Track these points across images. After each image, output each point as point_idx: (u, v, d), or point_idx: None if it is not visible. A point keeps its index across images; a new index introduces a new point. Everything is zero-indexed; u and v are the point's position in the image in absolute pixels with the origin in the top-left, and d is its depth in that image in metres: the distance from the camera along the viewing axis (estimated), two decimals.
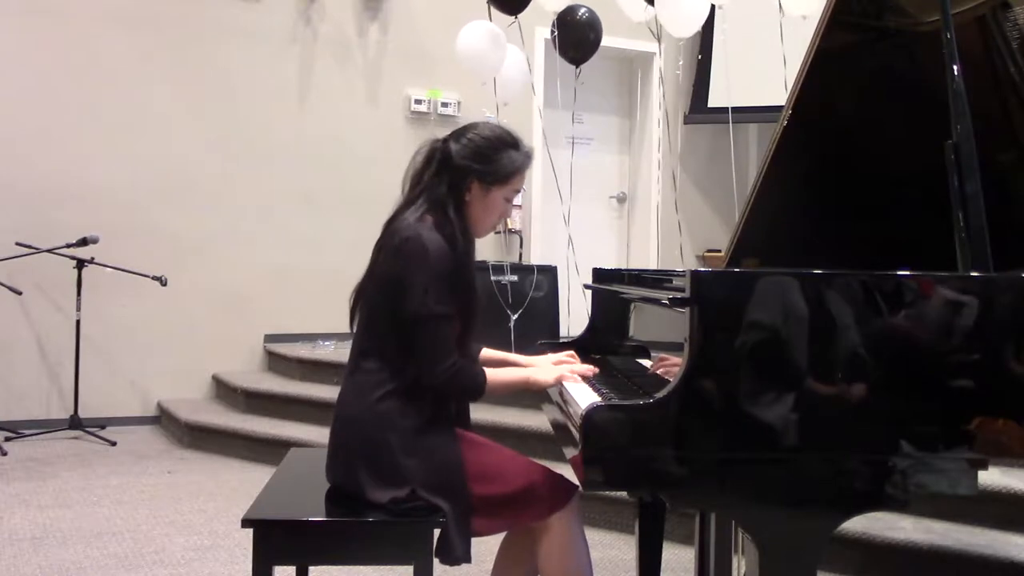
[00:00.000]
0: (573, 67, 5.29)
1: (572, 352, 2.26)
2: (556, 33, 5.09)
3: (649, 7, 4.82)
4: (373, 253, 2.08)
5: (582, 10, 5.16)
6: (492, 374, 2.03)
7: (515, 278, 5.15)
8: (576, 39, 5.15)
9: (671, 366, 1.87)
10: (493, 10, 4.95)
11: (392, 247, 1.99)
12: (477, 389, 2.00)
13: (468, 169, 2.03)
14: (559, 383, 2.05)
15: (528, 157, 2.09)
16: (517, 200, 6.34)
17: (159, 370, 5.54)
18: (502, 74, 4.93)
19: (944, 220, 1.78)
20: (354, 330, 2.09)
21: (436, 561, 1.92)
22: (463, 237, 2.03)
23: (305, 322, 5.71)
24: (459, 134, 2.08)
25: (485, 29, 4.86)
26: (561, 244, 5.98)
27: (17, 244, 4.88)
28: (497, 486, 1.95)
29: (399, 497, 1.92)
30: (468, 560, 1.93)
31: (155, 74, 5.54)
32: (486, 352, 2.27)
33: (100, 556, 3.20)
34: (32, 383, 5.26)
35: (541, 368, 2.14)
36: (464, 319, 2.03)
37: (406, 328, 1.96)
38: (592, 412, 1.56)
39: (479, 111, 5.99)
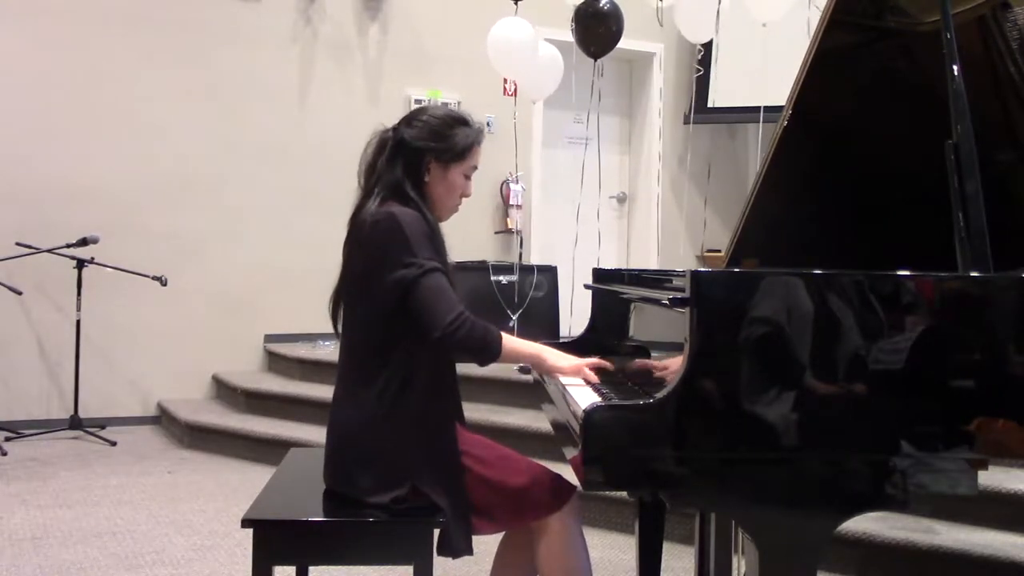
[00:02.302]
0: (592, 62, 5.25)
1: (599, 361, 2.12)
2: (576, 27, 5.05)
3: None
4: (343, 253, 2.05)
5: (603, 1, 5.11)
6: (508, 337, 1.98)
7: (515, 278, 5.15)
8: (597, 31, 5.09)
9: (663, 370, 1.87)
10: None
11: (363, 236, 1.98)
12: (492, 344, 1.94)
13: (425, 149, 2.03)
14: (572, 374, 2.02)
15: (480, 132, 2.10)
16: (517, 200, 6.37)
17: (159, 370, 5.54)
18: (535, 72, 4.92)
19: (944, 220, 1.78)
20: (339, 333, 2.07)
21: (436, 561, 1.91)
22: (427, 214, 2.01)
23: (305, 322, 5.71)
24: (410, 119, 2.08)
25: (518, 26, 4.83)
26: (560, 244, 5.98)
27: (17, 244, 4.88)
28: (496, 486, 1.95)
29: (400, 496, 1.92)
30: (470, 552, 1.92)
31: (155, 74, 5.55)
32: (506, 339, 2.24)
33: (100, 556, 3.20)
34: (32, 383, 5.26)
35: (560, 354, 2.08)
36: None
37: (393, 316, 1.91)
38: (592, 412, 1.56)
39: (480, 111, 6.00)
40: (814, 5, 4.33)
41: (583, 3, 5.08)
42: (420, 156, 2.04)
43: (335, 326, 2.09)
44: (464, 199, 2.13)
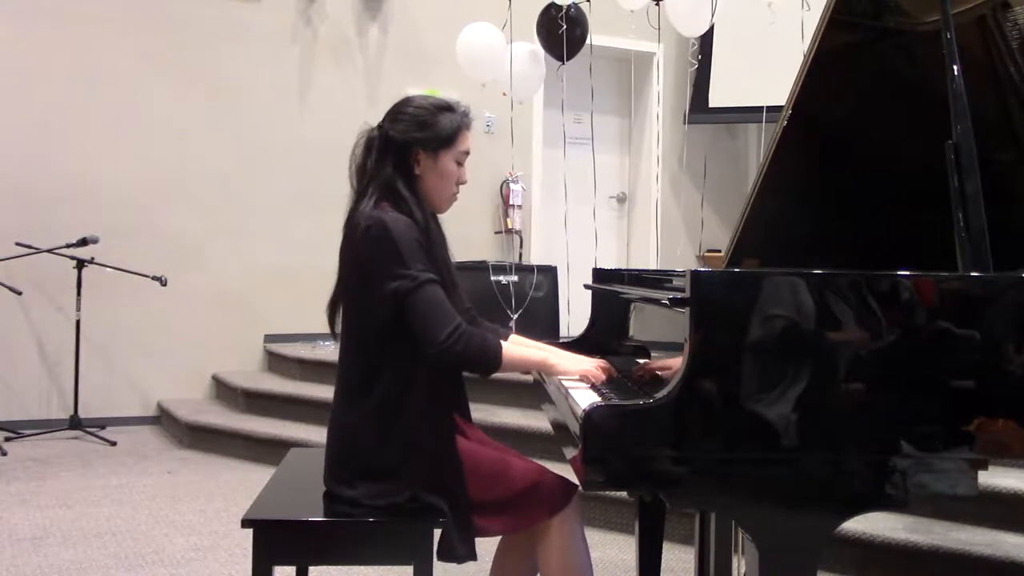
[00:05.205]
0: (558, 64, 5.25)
1: (607, 364, 2.12)
2: (564, 28, 5.04)
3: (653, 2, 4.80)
4: (339, 257, 2.03)
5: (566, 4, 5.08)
6: (508, 347, 1.95)
7: (515, 278, 5.15)
8: (568, 34, 5.07)
9: (660, 368, 1.87)
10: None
11: (355, 241, 1.96)
12: (492, 356, 1.91)
13: (411, 141, 2.00)
14: (581, 377, 2.00)
15: (465, 115, 2.06)
16: (517, 200, 6.37)
17: (159, 370, 5.54)
18: (516, 72, 4.92)
19: (944, 220, 1.78)
20: (337, 336, 2.06)
21: (436, 561, 1.91)
22: (422, 211, 1.98)
23: (305, 322, 5.70)
24: (393, 114, 2.05)
25: (487, 31, 4.86)
26: (560, 244, 5.98)
27: (17, 244, 4.88)
28: (498, 489, 1.94)
29: (396, 503, 1.91)
30: (473, 557, 1.92)
31: (155, 74, 5.55)
32: (516, 339, 2.22)
33: (100, 556, 3.20)
34: (32, 383, 5.26)
35: (566, 357, 2.07)
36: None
37: (390, 322, 1.90)
38: (592, 412, 1.56)
39: (480, 111, 6.00)
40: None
41: (548, 7, 5.06)
42: (408, 149, 2.00)
43: (332, 330, 2.07)
44: (462, 187, 2.09)
